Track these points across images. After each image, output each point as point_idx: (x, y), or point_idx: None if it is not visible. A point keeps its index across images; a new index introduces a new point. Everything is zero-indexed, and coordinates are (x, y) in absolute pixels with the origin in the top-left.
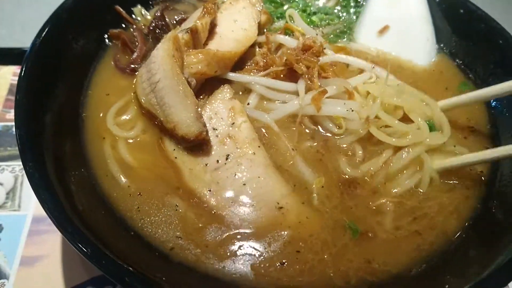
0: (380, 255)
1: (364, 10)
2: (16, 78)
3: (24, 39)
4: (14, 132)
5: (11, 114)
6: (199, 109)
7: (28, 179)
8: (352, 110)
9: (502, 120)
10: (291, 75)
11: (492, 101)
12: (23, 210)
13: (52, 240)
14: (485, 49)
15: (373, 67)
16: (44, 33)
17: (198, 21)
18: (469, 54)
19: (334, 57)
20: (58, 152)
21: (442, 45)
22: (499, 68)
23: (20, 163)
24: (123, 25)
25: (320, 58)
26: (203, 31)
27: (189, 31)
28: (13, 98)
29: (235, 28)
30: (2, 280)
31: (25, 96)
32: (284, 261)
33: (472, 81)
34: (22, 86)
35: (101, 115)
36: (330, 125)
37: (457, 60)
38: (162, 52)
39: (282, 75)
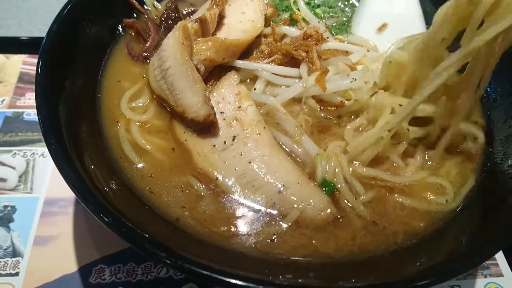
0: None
1: (362, 5)
2: (26, 66)
3: (31, 28)
4: (25, 118)
5: (21, 101)
6: (207, 93)
7: (52, 157)
8: (355, 80)
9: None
10: (295, 62)
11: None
12: (35, 192)
13: (64, 221)
14: None
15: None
16: (60, 20)
17: (207, 12)
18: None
19: (333, 44)
20: (77, 134)
21: None
22: None
23: (31, 147)
24: (135, 15)
25: (321, 45)
26: (212, 22)
27: (198, 21)
28: (22, 85)
29: (242, 19)
30: (17, 258)
31: (45, 81)
32: (277, 237)
33: None
34: (41, 71)
35: (115, 100)
36: (338, 98)
37: None
38: (172, 40)
39: (286, 63)
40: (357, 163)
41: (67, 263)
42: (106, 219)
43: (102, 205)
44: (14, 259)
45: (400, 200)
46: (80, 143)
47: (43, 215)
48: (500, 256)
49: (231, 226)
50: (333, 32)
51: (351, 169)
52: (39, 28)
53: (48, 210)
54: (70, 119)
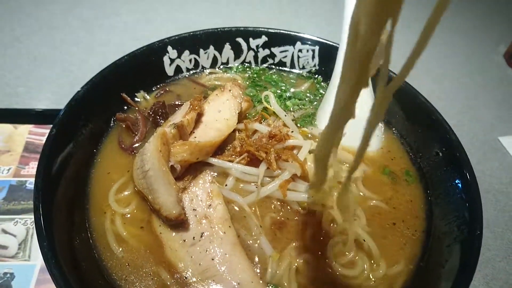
0: None
1: (325, 100)
2: (32, 136)
3: (40, 97)
4: (28, 187)
5: (25, 170)
6: (180, 194)
7: (40, 248)
8: (312, 197)
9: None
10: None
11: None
12: (33, 260)
13: None
14: (430, 137)
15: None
16: (58, 124)
17: (185, 117)
18: (417, 139)
19: (293, 141)
20: (67, 226)
21: (394, 129)
22: (440, 156)
23: (32, 216)
24: (126, 107)
25: (283, 143)
26: (189, 125)
27: (175, 127)
28: (28, 154)
29: (218, 118)
30: None
31: (43, 177)
32: None
33: (417, 164)
34: (40, 169)
35: (103, 191)
36: (296, 206)
37: (406, 143)
38: (152, 146)
39: (255, 160)
40: None
41: None
42: None
43: None
44: None
45: None
46: (69, 234)
47: (38, 282)
48: None
49: None
50: (298, 125)
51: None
52: (47, 96)
53: (43, 278)
54: (62, 211)
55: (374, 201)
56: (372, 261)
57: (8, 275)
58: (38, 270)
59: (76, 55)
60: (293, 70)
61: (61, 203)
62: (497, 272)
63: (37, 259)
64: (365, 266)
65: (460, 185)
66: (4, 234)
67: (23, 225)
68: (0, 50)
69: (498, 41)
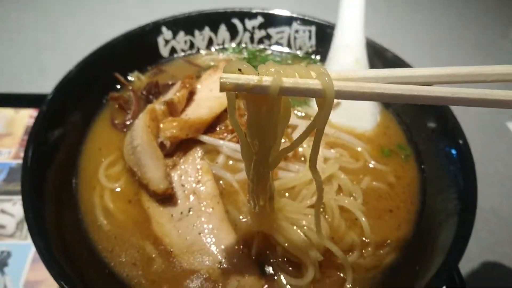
0: None
1: None
2: (32, 120)
3: (42, 84)
4: None
5: None
6: (168, 169)
7: (27, 225)
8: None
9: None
10: None
11: None
12: (29, 239)
13: None
14: (425, 113)
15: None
16: (49, 101)
17: (176, 94)
18: (413, 118)
19: None
20: (56, 200)
21: (390, 108)
22: (435, 132)
23: None
24: (119, 86)
25: None
26: (180, 102)
27: (165, 104)
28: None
29: (210, 96)
30: None
31: (32, 152)
32: None
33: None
34: (30, 145)
35: (94, 167)
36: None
37: (402, 122)
38: (141, 122)
39: None
40: None
41: None
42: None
43: (66, 274)
44: None
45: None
46: (59, 209)
47: (34, 260)
48: None
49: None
50: (292, 104)
51: None
52: (49, 83)
53: (38, 256)
54: (51, 188)
55: (374, 182)
56: (364, 238)
57: (5, 253)
58: (34, 249)
59: (79, 43)
60: (290, 51)
61: (50, 178)
62: (501, 257)
63: None
64: (353, 242)
65: (454, 155)
66: (3, 214)
67: (21, 206)
68: (5, 36)
69: (507, 26)
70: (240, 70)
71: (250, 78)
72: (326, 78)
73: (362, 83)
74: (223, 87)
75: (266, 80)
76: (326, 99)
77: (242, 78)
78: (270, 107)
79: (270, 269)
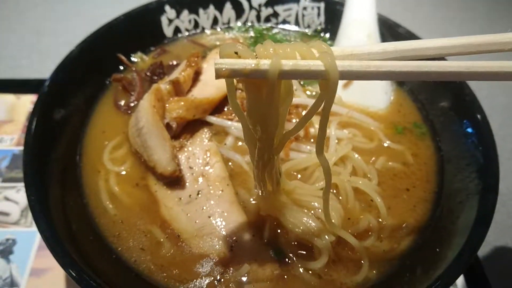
0: None
1: None
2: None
3: (42, 69)
4: None
5: None
6: (175, 151)
7: (31, 210)
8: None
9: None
10: None
11: None
12: (34, 226)
13: None
14: (441, 90)
15: None
16: (51, 81)
17: (182, 73)
18: (429, 95)
19: (297, 100)
20: (60, 185)
21: (405, 85)
22: (452, 109)
23: None
24: (122, 67)
25: None
26: (185, 82)
27: (171, 83)
28: None
29: None
30: None
31: (33, 136)
32: None
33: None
34: (30, 127)
35: (98, 150)
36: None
37: (417, 100)
38: (146, 103)
39: None
40: None
41: None
42: (73, 274)
43: (71, 259)
44: None
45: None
46: (63, 194)
47: (39, 248)
48: None
49: (187, 272)
50: (301, 83)
51: None
52: (50, 68)
53: (44, 244)
54: (55, 172)
55: (389, 162)
56: (380, 219)
57: (10, 241)
58: (39, 236)
59: (79, 27)
60: (298, 29)
61: (52, 162)
62: None
63: None
64: (370, 224)
65: (472, 131)
66: (7, 201)
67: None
68: (4, 23)
69: None
70: (236, 53)
71: (247, 63)
72: (329, 58)
73: (367, 62)
74: (218, 74)
75: (264, 63)
76: (329, 81)
77: (238, 63)
78: (270, 91)
79: (282, 253)
